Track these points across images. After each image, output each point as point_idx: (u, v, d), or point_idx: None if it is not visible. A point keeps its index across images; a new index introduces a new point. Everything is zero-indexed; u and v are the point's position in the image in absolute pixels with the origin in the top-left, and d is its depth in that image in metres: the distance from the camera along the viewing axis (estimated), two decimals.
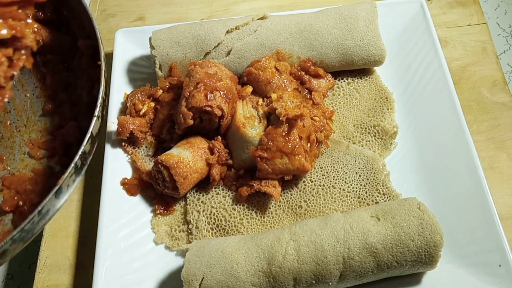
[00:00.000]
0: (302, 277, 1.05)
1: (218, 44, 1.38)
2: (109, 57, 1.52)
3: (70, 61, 1.27)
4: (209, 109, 1.24)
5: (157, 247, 1.23)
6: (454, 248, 1.15)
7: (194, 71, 1.30)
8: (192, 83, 1.28)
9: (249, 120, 1.29)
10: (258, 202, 1.26)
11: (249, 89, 1.33)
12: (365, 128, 1.35)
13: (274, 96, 1.31)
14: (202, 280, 1.06)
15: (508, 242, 1.12)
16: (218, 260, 1.07)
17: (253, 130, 1.27)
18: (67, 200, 1.33)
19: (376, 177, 1.26)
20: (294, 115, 1.19)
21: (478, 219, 1.16)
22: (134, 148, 1.36)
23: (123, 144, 1.35)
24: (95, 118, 1.03)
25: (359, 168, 1.28)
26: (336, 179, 1.28)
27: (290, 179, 1.23)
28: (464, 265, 1.13)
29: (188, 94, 1.26)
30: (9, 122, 1.25)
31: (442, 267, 1.10)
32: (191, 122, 1.24)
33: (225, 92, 1.26)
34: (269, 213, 1.25)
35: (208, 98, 1.24)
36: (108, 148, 1.34)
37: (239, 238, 1.14)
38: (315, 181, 1.28)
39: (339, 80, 1.44)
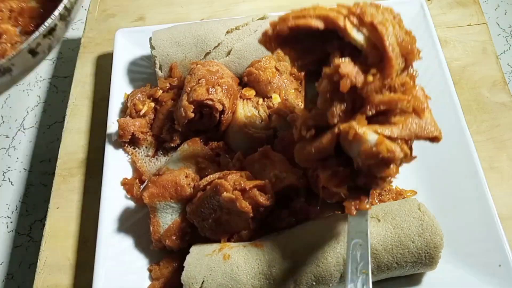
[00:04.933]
0: (303, 278, 1.05)
1: (218, 44, 1.38)
2: (109, 57, 1.52)
3: None
4: (211, 102, 1.24)
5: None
6: (454, 248, 1.14)
7: (196, 69, 1.31)
8: (193, 79, 1.28)
9: (250, 119, 1.29)
10: None
11: (252, 92, 1.33)
12: None
13: (275, 96, 1.31)
14: (202, 283, 1.05)
15: (508, 242, 1.12)
16: (219, 263, 1.06)
17: (255, 129, 1.27)
18: (67, 200, 1.34)
19: None
20: None
21: (478, 219, 1.16)
22: (134, 149, 1.35)
23: (123, 144, 1.35)
24: None
25: None
26: None
27: None
28: (464, 265, 1.13)
29: (189, 89, 1.26)
30: None
31: (442, 268, 1.10)
32: (192, 115, 1.23)
33: (227, 87, 1.27)
34: None
35: (210, 92, 1.24)
36: (108, 148, 1.34)
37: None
38: None
39: None
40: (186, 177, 1.19)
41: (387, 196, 1.20)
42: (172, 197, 1.17)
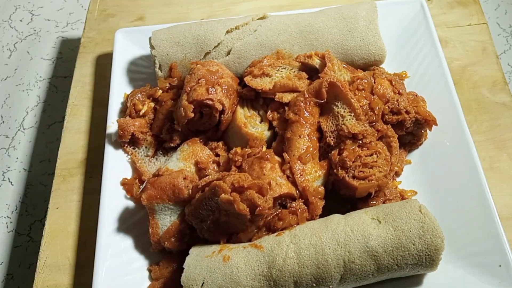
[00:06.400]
0: (303, 280, 1.04)
1: (218, 44, 1.38)
2: (109, 57, 1.52)
3: None
4: (210, 102, 1.24)
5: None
6: (454, 249, 1.14)
7: (196, 69, 1.31)
8: (193, 79, 1.28)
9: (250, 120, 1.29)
10: None
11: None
12: None
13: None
14: (202, 285, 1.05)
15: (508, 242, 1.12)
16: (218, 265, 1.06)
17: (255, 129, 1.27)
18: (67, 200, 1.34)
19: None
20: None
21: (478, 219, 1.16)
22: (134, 149, 1.35)
23: (122, 144, 1.35)
24: None
25: None
26: None
27: None
28: (464, 265, 1.13)
29: (189, 89, 1.26)
30: None
31: (442, 268, 1.10)
32: (191, 114, 1.23)
33: (226, 87, 1.26)
34: None
35: (210, 92, 1.24)
36: (108, 148, 1.34)
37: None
38: None
39: None
40: (184, 178, 1.18)
41: (392, 201, 1.20)
42: (170, 199, 1.17)
